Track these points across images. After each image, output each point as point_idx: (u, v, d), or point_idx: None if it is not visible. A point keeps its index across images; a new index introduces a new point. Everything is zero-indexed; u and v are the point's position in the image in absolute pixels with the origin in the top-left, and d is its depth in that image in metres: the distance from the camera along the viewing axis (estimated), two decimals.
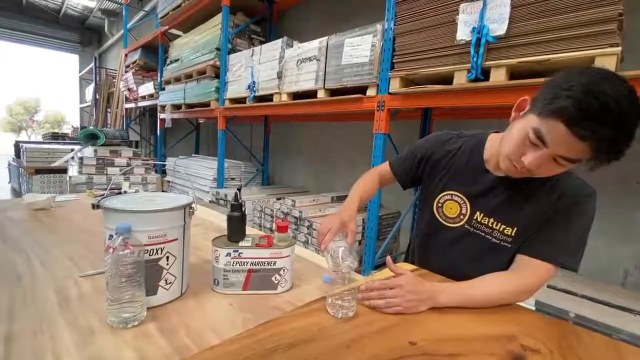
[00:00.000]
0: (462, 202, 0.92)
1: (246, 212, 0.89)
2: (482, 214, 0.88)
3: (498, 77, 1.53)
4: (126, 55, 6.17)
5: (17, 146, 5.33)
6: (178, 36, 4.56)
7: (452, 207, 0.93)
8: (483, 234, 0.88)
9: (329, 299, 0.72)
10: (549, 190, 0.82)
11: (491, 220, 0.87)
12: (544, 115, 0.66)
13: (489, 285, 0.78)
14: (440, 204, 0.96)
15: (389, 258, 0.80)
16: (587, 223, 0.80)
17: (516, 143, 0.72)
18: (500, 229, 0.86)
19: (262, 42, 3.62)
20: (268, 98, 2.87)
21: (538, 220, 0.82)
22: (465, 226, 0.91)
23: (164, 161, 5.00)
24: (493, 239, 0.87)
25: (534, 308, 1.46)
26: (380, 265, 1.48)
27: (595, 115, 0.60)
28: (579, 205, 0.79)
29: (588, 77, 0.63)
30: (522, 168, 0.73)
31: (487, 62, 1.56)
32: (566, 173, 0.79)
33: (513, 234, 0.84)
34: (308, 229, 2.45)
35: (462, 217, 0.91)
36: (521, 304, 0.80)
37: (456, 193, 0.93)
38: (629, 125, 0.61)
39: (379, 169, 1.13)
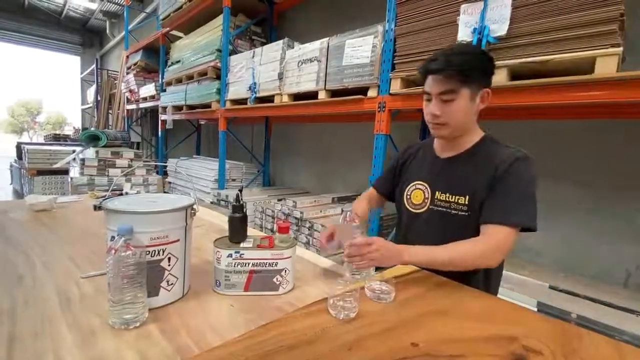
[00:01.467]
0: (424, 188, 1.07)
1: (247, 213, 0.89)
2: (440, 192, 1.02)
3: (499, 78, 1.53)
4: (127, 56, 6.19)
5: (19, 147, 5.35)
6: (179, 37, 4.57)
7: (417, 195, 1.08)
8: (444, 209, 1.00)
9: (331, 300, 0.72)
10: (488, 160, 0.95)
11: (447, 195, 1.00)
12: (423, 81, 0.98)
13: (452, 248, 0.88)
14: (408, 196, 1.11)
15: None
16: (526, 182, 0.90)
17: (424, 109, 1.00)
18: (456, 200, 0.98)
19: (263, 43, 3.63)
20: (269, 99, 2.87)
21: (483, 187, 0.93)
22: (430, 207, 1.04)
23: (165, 162, 5.01)
24: (453, 211, 0.98)
25: (535, 309, 1.46)
26: (380, 267, 1.48)
27: (437, 55, 0.93)
28: (513, 168, 0.90)
29: None
30: (432, 118, 0.97)
31: None
32: (503, 145, 0.97)
33: (467, 202, 0.96)
34: (309, 230, 2.45)
35: (426, 200, 1.05)
36: (522, 304, 0.80)
37: (419, 182, 1.09)
38: (461, 50, 0.95)
39: (366, 193, 1.32)
